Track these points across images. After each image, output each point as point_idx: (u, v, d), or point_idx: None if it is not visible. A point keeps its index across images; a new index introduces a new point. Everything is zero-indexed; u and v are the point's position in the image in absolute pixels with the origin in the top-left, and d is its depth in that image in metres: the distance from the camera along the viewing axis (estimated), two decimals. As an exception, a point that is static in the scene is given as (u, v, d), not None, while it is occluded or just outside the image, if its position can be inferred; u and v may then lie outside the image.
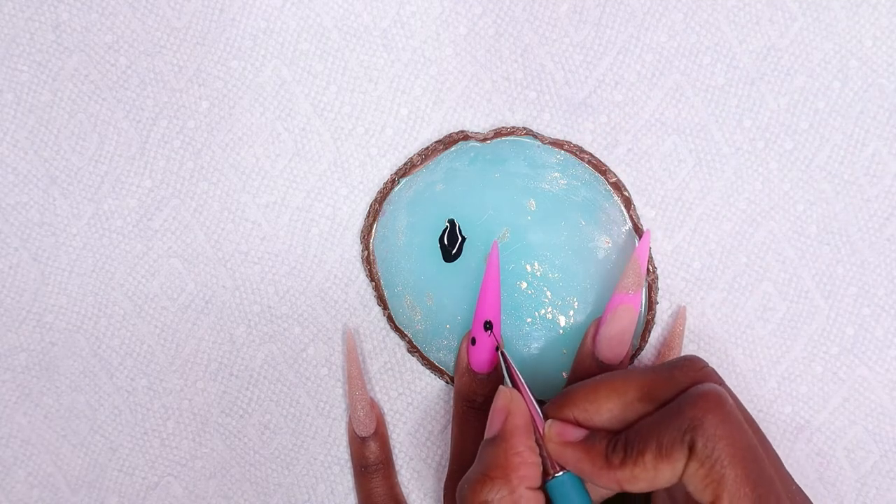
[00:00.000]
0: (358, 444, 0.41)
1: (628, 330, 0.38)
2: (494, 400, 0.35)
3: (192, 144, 0.41)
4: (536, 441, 0.34)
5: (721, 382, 0.33)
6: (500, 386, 0.35)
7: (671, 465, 0.30)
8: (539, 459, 0.33)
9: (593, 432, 0.33)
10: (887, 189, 0.41)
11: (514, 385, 0.35)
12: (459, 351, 0.39)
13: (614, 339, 0.38)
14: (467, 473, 0.33)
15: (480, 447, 0.34)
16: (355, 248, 0.42)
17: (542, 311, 0.40)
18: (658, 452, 0.30)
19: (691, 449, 0.30)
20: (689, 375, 0.32)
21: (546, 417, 0.34)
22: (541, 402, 0.41)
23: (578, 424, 0.33)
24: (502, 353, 0.36)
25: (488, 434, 0.34)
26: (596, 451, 0.32)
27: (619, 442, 0.31)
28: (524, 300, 0.40)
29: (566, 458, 0.33)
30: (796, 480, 0.41)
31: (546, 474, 0.33)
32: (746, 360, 0.41)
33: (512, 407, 0.34)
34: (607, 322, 0.38)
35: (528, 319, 0.40)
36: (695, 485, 0.30)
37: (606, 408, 0.33)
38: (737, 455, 0.30)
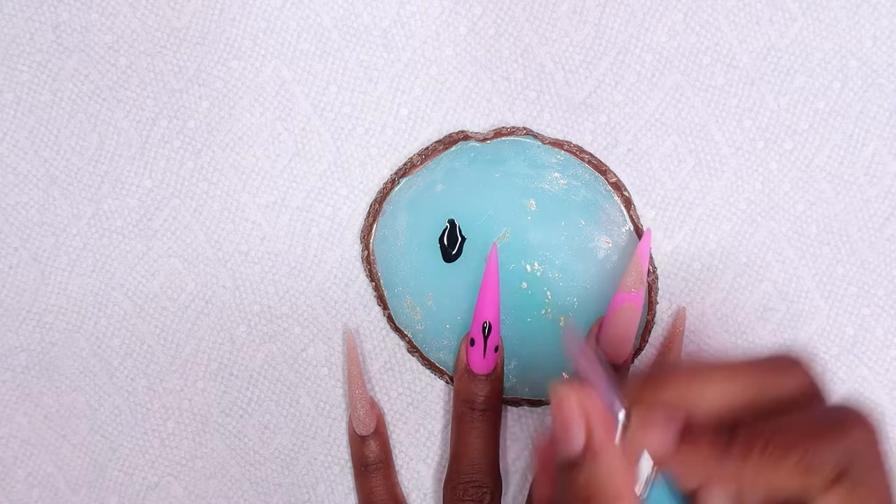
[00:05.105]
0: (358, 443, 0.41)
1: (632, 328, 0.38)
2: (555, 404, 0.26)
3: (192, 144, 0.41)
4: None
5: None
6: (557, 383, 0.27)
7: (805, 481, 0.26)
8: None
9: (694, 427, 0.26)
10: (887, 189, 0.41)
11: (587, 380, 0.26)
12: (458, 352, 0.39)
13: (618, 337, 0.38)
14: None
15: (559, 476, 0.26)
16: (355, 248, 0.42)
17: (543, 311, 0.40)
18: (801, 460, 0.26)
19: (840, 476, 0.26)
20: (797, 379, 0.28)
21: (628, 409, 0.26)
22: (538, 403, 0.41)
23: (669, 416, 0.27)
24: (574, 337, 0.29)
25: (566, 454, 0.26)
26: (708, 443, 0.26)
27: (744, 433, 0.26)
28: (524, 300, 0.40)
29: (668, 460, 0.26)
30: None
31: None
32: (746, 360, 0.41)
33: (589, 408, 0.26)
34: (610, 321, 0.38)
35: (529, 319, 0.40)
36: None
37: (713, 394, 0.26)
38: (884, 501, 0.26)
